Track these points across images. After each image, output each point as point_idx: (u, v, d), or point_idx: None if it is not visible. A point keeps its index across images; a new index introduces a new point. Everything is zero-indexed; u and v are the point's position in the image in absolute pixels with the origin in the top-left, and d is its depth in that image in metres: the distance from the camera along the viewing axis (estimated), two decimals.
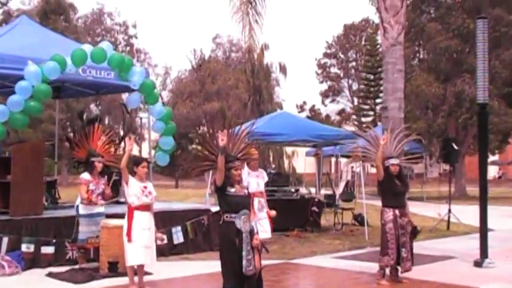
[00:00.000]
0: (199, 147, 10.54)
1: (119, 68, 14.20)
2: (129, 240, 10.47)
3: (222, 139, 8.54)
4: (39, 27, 17.08)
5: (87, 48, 14.01)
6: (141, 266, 10.82)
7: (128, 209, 10.70)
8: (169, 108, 17.05)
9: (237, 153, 9.38)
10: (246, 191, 8.94)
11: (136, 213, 10.53)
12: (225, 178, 8.61)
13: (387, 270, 11.63)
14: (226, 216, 8.61)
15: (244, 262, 8.41)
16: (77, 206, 12.58)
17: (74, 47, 14.25)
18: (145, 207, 10.68)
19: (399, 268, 11.51)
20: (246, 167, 11.42)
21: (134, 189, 10.57)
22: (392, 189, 11.64)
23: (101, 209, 12.77)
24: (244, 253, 8.41)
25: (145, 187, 10.70)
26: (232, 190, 8.62)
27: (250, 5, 17.33)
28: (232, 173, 8.68)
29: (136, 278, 10.81)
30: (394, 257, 11.39)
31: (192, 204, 19.37)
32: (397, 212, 11.53)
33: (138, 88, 14.61)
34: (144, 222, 10.57)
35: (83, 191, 12.36)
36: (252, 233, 8.63)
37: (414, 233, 12.02)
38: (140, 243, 10.48)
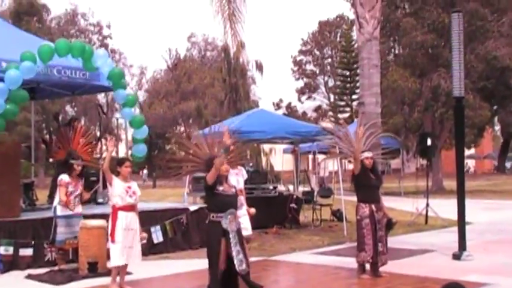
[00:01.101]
0: (181, 150, 10.48)
1: (82, 56, 14.05)
2: (113, 241, 10.44)
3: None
4: (12, 28, 16.96)
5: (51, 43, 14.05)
6: (124, 266, 10.80)
7: (112, 209, 10.63)
8: (133, 95, 16.84)
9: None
10: (233, 189, 8.94)
11: (120, 213, 10.48)
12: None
13: (367, 265, 11.69)
14: (213, 216, 8.63)
15: (236, 262, 8.43)
16: (55, 208, 12.55)
17: None
18: (130, 208, 10.64)
19: (378, 263, 11.58)
20: None
21: (118, 190, 10.51)
22: (367, 182, 11.66)
23: (78, 209, 12.74)
24: (234, 253, 8.42)
25: (129, 187, 10.65)
26: (221, 188, 8.64)
27: (230, 5, 17.31)
28: (220, 169, 8.65)
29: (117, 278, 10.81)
30: (371, 252, 11.41)
31: (170, 204, 19.37)
32: (373, 206, 11.56)
33: (108, 76, 14.46)
34: (128, 223, 10.53)
35: (62, 194, 12.32)
36: (239, 232, 8.64)
37: (389, 225, 12.06)
38: (124, 244, 10.45)
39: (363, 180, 11.68)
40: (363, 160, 11.65)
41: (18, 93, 13.16)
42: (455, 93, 14.18)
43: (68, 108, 62.08)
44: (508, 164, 77.72)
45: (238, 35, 17.58)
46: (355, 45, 70.52)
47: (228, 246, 8.46)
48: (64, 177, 12.47)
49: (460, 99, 14.33)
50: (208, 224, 8.73)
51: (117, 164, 10.72)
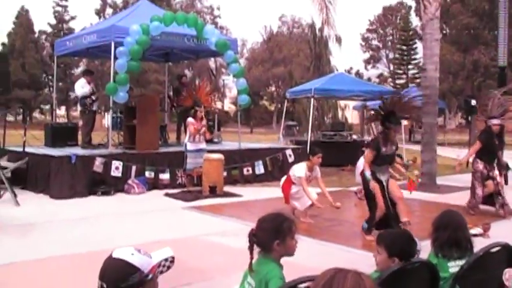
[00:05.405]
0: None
1: (195, 26, 14.05)
2: (287, 203, 9.82)
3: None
4: (154, 7, 17.08)
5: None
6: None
7: (287, 177, 9.88)
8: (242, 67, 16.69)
9: (403, 113, 8.60)
10: (394, 147, 8.32)
11: (293, 186, 9.67)
12: (383, 137, 8.15)
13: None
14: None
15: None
16: (185, 144, 12.96)
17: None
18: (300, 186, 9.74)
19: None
20: None
21: (302, 176, 9.47)
22: (489, 148, 10.56)
23: (203, 146, 13.07)
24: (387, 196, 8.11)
25: (309, 176, 9.56)
26: (384, 149, 8.10)
27: None
28: (391, 133, 8.14)
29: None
30: (480, 200, 10.74)
31: (269, 144, 19.34)
32: (486, 165, 10.60)
33: (214, 44, 14.46)
34: (296, 192, 9.71)
35: (192, 128, 12.67)
36: (387, 181, 8.23)
37: (507, 167, 10.75)
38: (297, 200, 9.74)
39: (486, 143, 10.51)
40: (491, 126, 10.50)
41: (142, 40, 13.20)
42: (500, 62, 13.83)
43: (186, 71, 62.64)
44: None
45: (331, 15, 17.33)
46: (411, 26, 69.38)
47: (383, 194, 8.03)
48: (190, 120, 12.83)
49: (503, 68, 13.97)
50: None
51: (310, 153, 9.78)
